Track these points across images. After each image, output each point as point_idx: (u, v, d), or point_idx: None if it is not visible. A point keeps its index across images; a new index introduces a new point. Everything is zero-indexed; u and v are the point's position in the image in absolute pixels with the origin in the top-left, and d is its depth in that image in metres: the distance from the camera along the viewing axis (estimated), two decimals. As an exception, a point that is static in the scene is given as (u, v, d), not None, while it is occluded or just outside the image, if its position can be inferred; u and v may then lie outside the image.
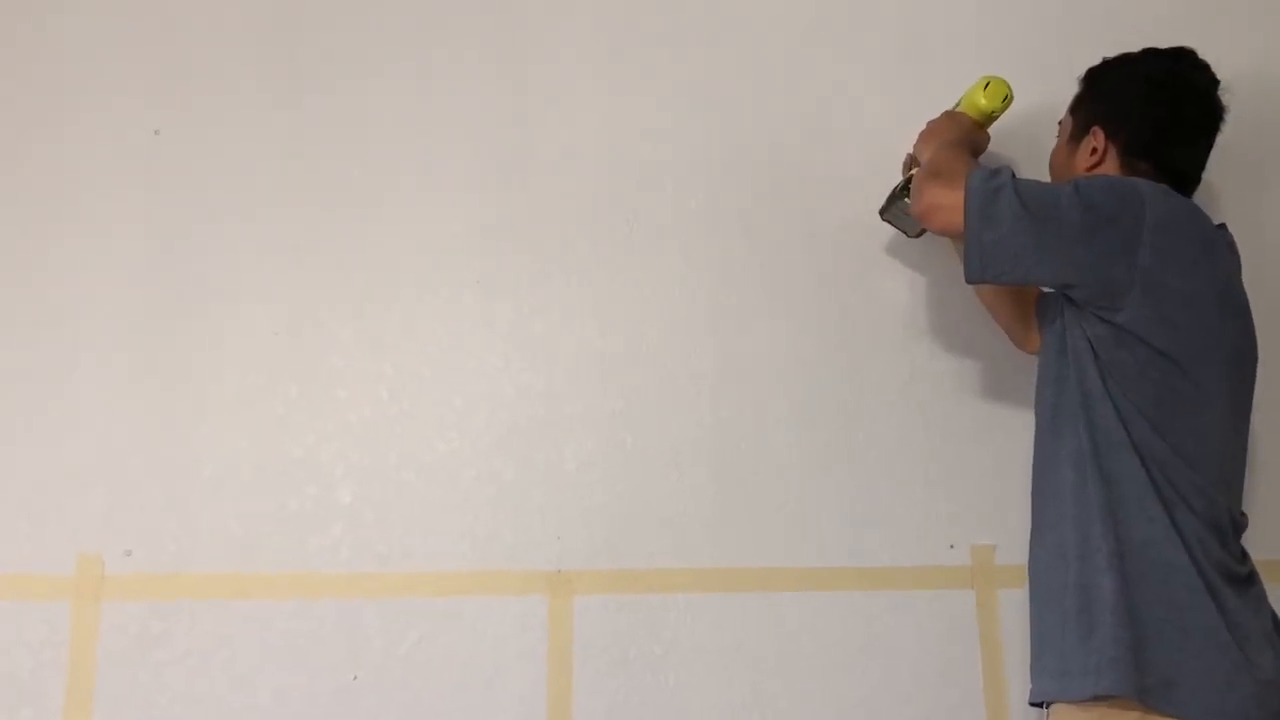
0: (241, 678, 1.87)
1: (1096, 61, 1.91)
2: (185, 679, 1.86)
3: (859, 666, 1.94)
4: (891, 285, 2.08)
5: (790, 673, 1.93)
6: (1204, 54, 1.84)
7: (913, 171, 1.90)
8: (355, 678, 1.88)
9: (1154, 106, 1.81)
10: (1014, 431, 2.01)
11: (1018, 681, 1.92)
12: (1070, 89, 1.93)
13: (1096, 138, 1.82)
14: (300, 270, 2.01)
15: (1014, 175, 1.68)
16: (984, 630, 1.96)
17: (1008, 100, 1.92)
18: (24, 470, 1.91)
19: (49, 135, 2.03)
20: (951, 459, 2.02)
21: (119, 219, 2.01)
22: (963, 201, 1.67)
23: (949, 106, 1.99)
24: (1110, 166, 1.81)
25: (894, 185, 1.97)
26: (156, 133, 2.04)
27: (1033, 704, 1.72)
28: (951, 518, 2.00)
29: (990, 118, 1.93)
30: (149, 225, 2.01)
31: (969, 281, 1.71)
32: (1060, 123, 1.93)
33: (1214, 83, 1.82)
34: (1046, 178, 1.96)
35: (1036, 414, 1.80)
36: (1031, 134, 2.05)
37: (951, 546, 1.99)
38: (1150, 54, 1.85)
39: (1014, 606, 1.94)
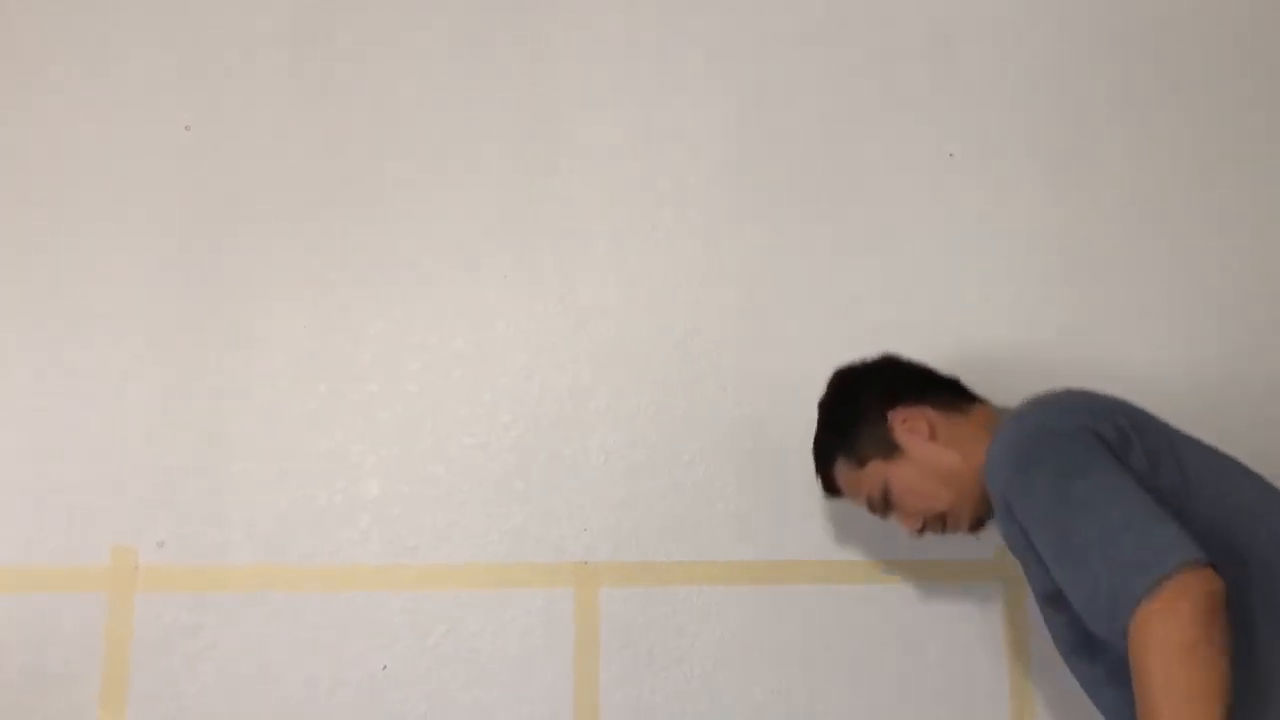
0: (272, 668, 1.90)
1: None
2: (217, 669, 1.89)
3: (884, 660, 1.94)
4: (914, 284, 2.07)
5: (815, 666, 1.93)
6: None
7: None
8: (384, 668, 1.91)
9: (875, 379, 1.77)
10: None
11: (1042, 676, 1.92)
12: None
13: (908, 420, 1.68)
14: (330, 266, 2.03)
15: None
16: (1009, 623, 1.96)
17: None
18: (60, 464, 1.94)
19: (80, 132, 2.05)
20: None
21: (150, 215, 2.03)
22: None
23: (976, 111, 1.98)
24: (954, 428, 1.68)
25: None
26: (188, 129, 2.07)
27: None
28: (978, 510, 2.00)
29: None
30: (180, 221, 2.03)
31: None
32: (861, 492, 1.75)
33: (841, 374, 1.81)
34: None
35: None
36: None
37: (977, 538, 1.98)
38: (829, 397, 1.81)
39: (1040, 600, 1.94)
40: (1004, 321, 2.06)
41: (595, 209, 2.07)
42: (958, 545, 1.97)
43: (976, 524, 1.71)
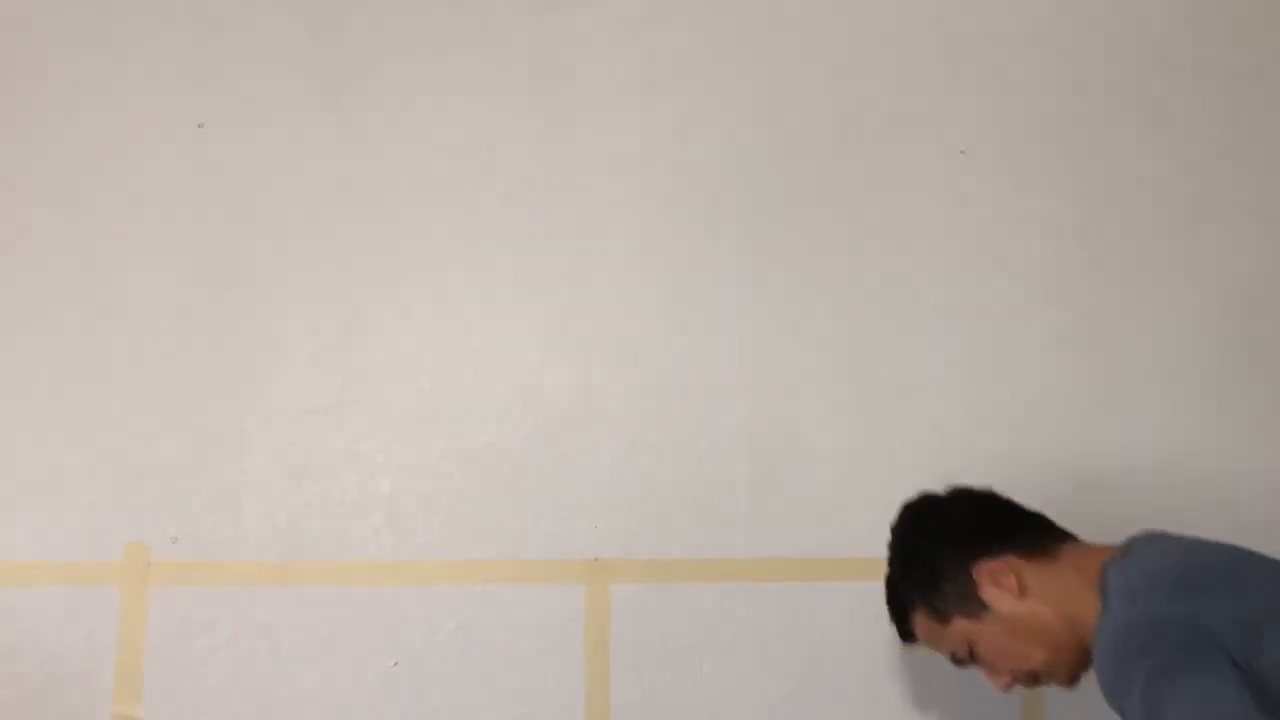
0: (284, 663, 1.90)
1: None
2: (230, 664, 1.90)
3: (894, 658, 1.95)
4: (926, 275, 2.07)
5: (825, 663, 1.94)
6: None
7: None
8: (396, 664, 1.91)
9: (953, 519, 1.62)
10: (1048, 422, 2.01)
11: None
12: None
13: (994, 574, 1.53)
14: (344, 264, 2.03)
15: None
16: (1020, 621, 1.96)
17: None
18: (74, 459, 1.95)
19: (95, 129, 2.06)
20: (985, 448, 2.02)
21: (164, 213, 2.04)
22: None
23: (988, 109, 1.98)
24: (1045, 578, 1.53)
25: None
26: (200, 126, 2.07)
27: None
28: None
29: None
30: (194, 219, 2.04)
31: None
32: (943, 648, 1.61)
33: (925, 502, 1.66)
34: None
35: None
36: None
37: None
38: (898, 532, 1.69)
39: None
40: (1014, 320, 2.06)
41: (608, 206, 2.07)
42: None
43: (1072, 680, 1.55)
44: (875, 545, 1.96)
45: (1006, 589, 1.52)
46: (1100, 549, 1.52)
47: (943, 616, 1.56)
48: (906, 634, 1.64)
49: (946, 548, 1.58)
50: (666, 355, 2.03)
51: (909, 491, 1.97)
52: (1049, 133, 2.12)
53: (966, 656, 1.58)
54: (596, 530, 1.97)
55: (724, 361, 2.03)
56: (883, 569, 1.93)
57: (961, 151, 2.11)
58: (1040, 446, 2.02)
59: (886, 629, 1.93)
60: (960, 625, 1.55)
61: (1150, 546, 1.48)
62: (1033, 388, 2.05)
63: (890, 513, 1.96)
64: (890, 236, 2.08)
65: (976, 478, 1.98)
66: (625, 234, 2.07)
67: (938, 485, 1.97)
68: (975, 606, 1.53)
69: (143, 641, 1.89)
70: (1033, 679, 1.56)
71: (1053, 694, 1.91)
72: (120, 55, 2.08)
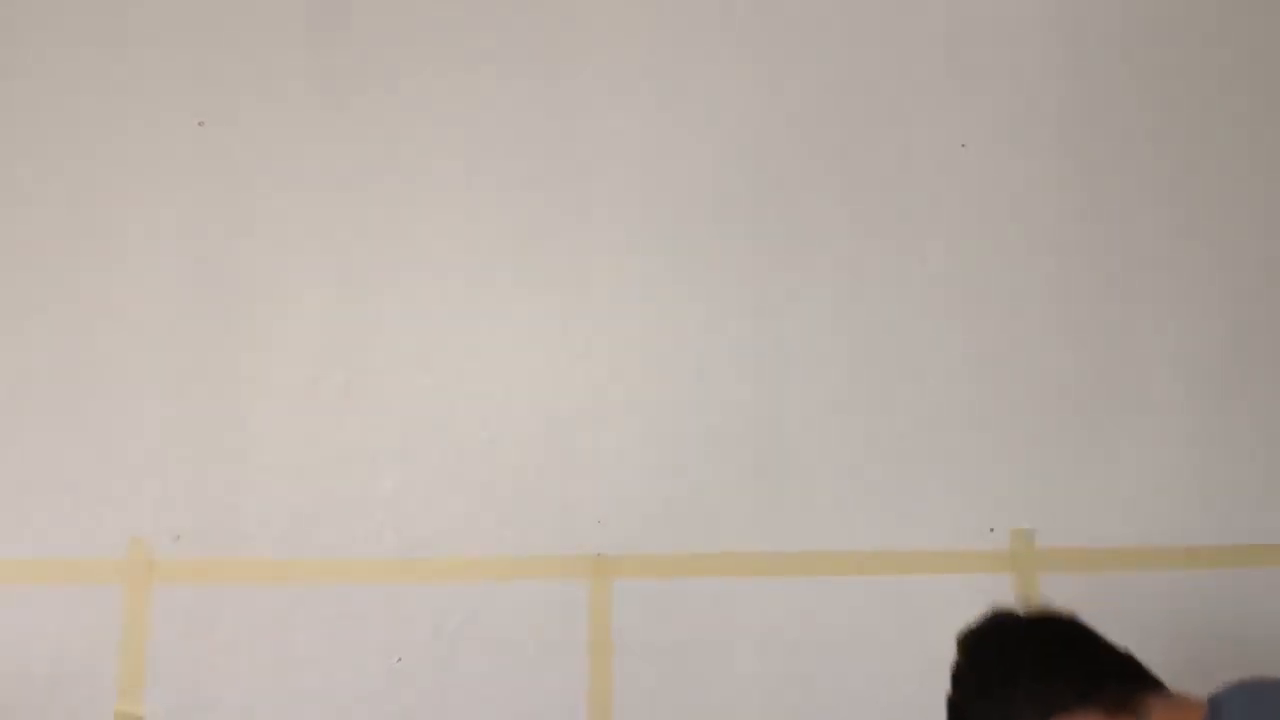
0: (288, 661, 1.91)
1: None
2: (233, 661, 1.90)
3: (897, 650, 1.95)
4: (928, 269, 2.07)
5: (828, 656, 1.94)
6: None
7: None
8: (399, 660, 1.92)
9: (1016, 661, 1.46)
10: (1053, 416, 2.01)
11: (1058, 665, 1.93)
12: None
13: None
14: (346, 262, 2.04)
15: None
16: (1024, 614, 1.96)
17: None
18: (77, 456, 1.95)
19: (95, 127, 2.06)
20: (990, 443, 2.02)
21: (165, 210, 2.04)
22: None
23: (989, 103, 1.98)
24: None
25: None
26: (201, 124, 2.07)
27: None
28: (991, 502, 2.00)
29: None
30: (196, 216, 2.04)
31: None
32: None
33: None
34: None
35: None
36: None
37: (991, 530, 1.99)
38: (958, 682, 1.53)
39: (1053, 590, 1.94)
40: (1016, 313, 2.06)
41: (609, 203, 2.07)
42: (971, 537, 1.98)
43: None
44: (877, 539, 1.98)
45: None
46: (1188, 706, 1.38)
47: None
48: None
49: (1024, 693, 1.43)
50: (668, 351, 2.03)
51: (911, 484, 1.98)
52: (1051, 126, 2.12)
53: None
54: (599, 526, 1.97)
55: (726, 357, 2.03)
56: (884, 565, 1.95)
57: (963, 145, 2.11)
58: (1043, 440, 2.01)
59: (888, 624, 1.94)
60: None
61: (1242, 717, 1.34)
62: (1035, 380, 2.04)
63: (892, 510, 1.97)
64: (893, 231, 2.08)
65: (978, 474, 2.00)
66: (627, 230, 2.07)
67: (940, 479, 1.99)
68: None
69: (145, 639, 1.90)
70: None
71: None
72: (120, 53, 2.09)
